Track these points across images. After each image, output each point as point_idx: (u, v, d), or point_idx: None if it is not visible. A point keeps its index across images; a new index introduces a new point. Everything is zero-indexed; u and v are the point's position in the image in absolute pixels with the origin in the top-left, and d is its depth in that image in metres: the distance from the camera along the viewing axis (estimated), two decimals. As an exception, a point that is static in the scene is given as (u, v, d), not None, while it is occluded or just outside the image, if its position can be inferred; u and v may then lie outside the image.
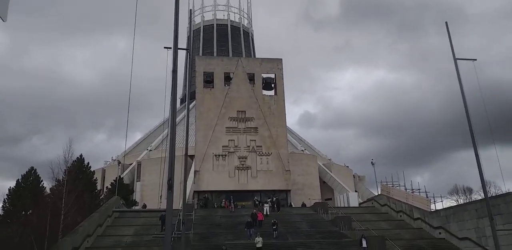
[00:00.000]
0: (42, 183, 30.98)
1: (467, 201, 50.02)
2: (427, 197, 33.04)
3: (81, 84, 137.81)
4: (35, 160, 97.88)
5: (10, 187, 30.60)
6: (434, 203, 33.31)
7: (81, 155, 33.55)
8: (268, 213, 31.68)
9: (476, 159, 19.62)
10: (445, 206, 32.81)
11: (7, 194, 29.58)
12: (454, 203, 49.57)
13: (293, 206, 40.86)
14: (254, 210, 29.68)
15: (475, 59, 21.60)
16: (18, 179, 30.66)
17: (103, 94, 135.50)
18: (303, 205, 40.05)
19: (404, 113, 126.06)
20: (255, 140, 43.64)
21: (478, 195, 52.79)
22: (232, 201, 35.92)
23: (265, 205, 33.29)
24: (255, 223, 27.64)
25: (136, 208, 41.11)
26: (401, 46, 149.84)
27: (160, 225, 25.77)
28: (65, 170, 25.94)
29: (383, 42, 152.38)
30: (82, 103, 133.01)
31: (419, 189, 35.20)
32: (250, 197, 40.85)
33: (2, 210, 29.85)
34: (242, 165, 42.61)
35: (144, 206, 41.26)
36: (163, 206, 13.90)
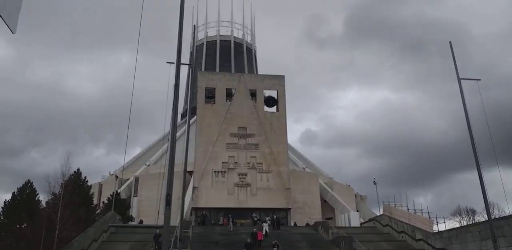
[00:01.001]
0: (38, 196, 30.62)
1: (470, 223, 49.20)
2: (429, 217, 32.49)
3: (83, 98, 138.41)
4: (33, 173, 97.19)
5: (5, 199, 30.24)
6: (437, 224, 32.73)
7: (78, 169, 33.26)
8: (268, 232, 30.87)
9: (480, 180, 19.30)
10: (448, 227, 32.22)
11: (2, 207, 29.18)
12: (457, 224, 48.74)
13: (297, 225, 39.99)
14: (254, 229, 28.89)
15: (479, 79, 21.55)
16: (14, 192, 30.30)
17: (105, 109, 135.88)
18: (307, 225, 39.13)
19: (407, 134, 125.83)
20: (255, 157, 43.27)
21: (481, 217, 52.01)
22: (231, 220, 35.11)
23: (264, 224, 32.40)
24: (254, 242, 26.86)
25: (133, 223, 40.43)
26: (405, 66, 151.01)
27: (153, 244, 25.21)
28: (61, 183, 25.61)
29: (387, 62, 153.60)
30: (83, 117, 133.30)
31: (421, 210, 34.71)
32: (249, 215, 40.14)
33: (-4, 223, 29.36)
34: (242, 182, 42.12)
35: (141, 221, 40.59)
36: (160, 222, 13.54)
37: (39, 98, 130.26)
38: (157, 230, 25.22)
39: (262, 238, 28.08)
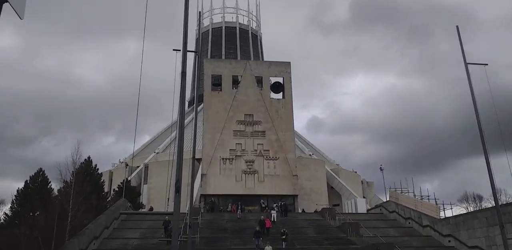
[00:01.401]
0: (50, 184, 31.18)
1: (477, 209, 49.29)
2: (436, 204, 32.57)
3: (91, 87, 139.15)
4: (44, 161, 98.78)
5: (18, 188, 30.84)
6: (444, 210, 32.80)
7: (89, 157, 33.73)
8: (275, 220, 30.87)
9: (487, 166, 19.29)
10: (454, 214, 32.32)
11: (15, 195, 29.79)
12: (464, 211, 48.84)
13: (305, 211, 40.27)
14: (262, 217, 28.90)
15: (487, 64, 21.26)
16: (27, 180, 30.88)
17: (113, 97, 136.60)
18: (316, 212, 39.12)
19: (413, 119, 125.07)
20: (262, 144, 43.44)
21: (488, 203, 52.00)
22: (240, 207, 35.05)
23: (273, 211, 32.35)
24: (262, 230, 26.79)
25: (143, 210, 41.12)
26: (411, 51, 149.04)
27: (163, 231, 25.65)
28: (72, 171, 26.03)
29: (393, 47, 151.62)
30: (92, 106, 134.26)
31: (428, 196, 34.78)
32: (257, 202, 40.58)
33: (10, 211, 30.04)
34: (249, 169, 42.42)
35: (151, 208, 41.26)
36: (170, 208, 13.78)
37: (48, 87, 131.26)
38: (166, 217, 25.65)
39: (271, 226, 28.02)
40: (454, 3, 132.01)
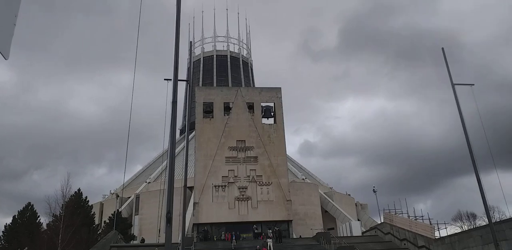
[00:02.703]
0: (39, 218, 30.54)
1: (472, 227, 49.02)
2: (430, 224, 32.39)
3: (85, 118, 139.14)
4: (35, 195, 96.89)
5: (6, 223, 30.12)
6: (438, 230, 32.59)
7: (79, 189, 33.30)
8: (271, 248, 30.28)
9: (478, 184, 19.49)
10: (449, 233, 32.11)
11: (3, 231, 29.07)
12: (458, 230, 48.59)
13: (301, 236, 39.72)
14: (258, 246, 28.39)
15: (473, 84, 21.93)
16: (15, 215, 30.22)
17: (106, 128, 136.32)
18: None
19: (404, 141, 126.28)
20: (255, 170, 43.25)
21: (482, 221, 51.86)
22: (235, 237, 33.70)
23: (269, 240, 31.68)
24: None
25: (135, 242, 40.19)
26: (399, 75, 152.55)
27: None
28: (62, 204, 25.61)
29: (381, 71, 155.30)
30: (85, 137, 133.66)
31: (422, 216, 34.57)
32: (251, 229, 39.95)
33: (-2, 247, 29.21)
34: (242, 195, 42.00)
35: (143, 240, 40.32)
36: (162, 239, 13.62)
37: (41, 120, 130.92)
38: (156, 249, 25.05)
39: None
40: (439, 27, 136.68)
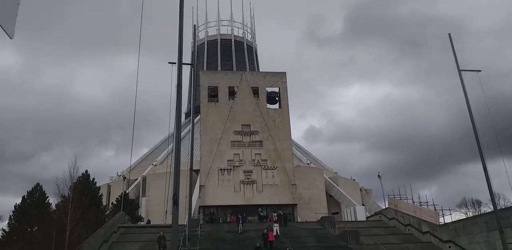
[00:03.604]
0: (48, 199, 31.02)
1: (476, 214, 49.23)
2: (435, 210, 32.53)
3: (91, 102, 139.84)
4: (43, 177, 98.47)
5: (16, 203, 30.65)
6: (443, 216, 32.74)
7: (86, 171, 33.66)
8: (279, 233, 29.51)
9: (484, 171, 19.43)
10: (454, 219, 32.31)
11: (13, 211, 29.61)
12: (463, 216, 48.78)
13: (307, 221, 40.03)
14: (265, 230, 27.62)
15: (480, 70, 21.63)
16: (24, 196, 30.71)
17: (113, 112, 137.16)
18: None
19: (410, 128, 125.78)
20: (260, 154, 43.42)
21: (487, 208, 51.99)
22: (241, 221, 32.33)
23: (275, 224, 30.49)
24: (265, 245, 26.12)
25: (142, 223, 40.86)
26: (405, 61, 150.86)
27: (157, 247, 25.09)
28: (70, 186, 25.94)
29: (387, 58, 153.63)
30: (92, 121, 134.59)
31: (427, 202, 34.70)
32: (256, 212, 40.41)
33: (8, 226, 29.81)
34: (248, 179, 42.32)
35: (149, 221, 40.94)
36: (169, 221, 13.80)
37: (47, 104, 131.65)
38: (161, 232, 25.30)
39: (273, 239, 27.11)
40: (446, 15, 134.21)
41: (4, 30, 3.88)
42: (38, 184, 31.10)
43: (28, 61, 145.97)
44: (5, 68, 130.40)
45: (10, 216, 29.32)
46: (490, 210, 38.20)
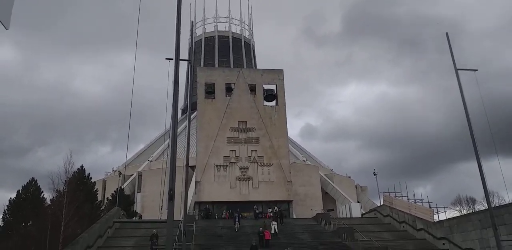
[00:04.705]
0: (42, 194, 30.91)
1: (471, 212, 49.56)
2: (430, 207, 32.77)
3: (89, 98, 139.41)
4: (39, 171, 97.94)
5: (10, 198, 30.53)
6: (437, 214, 33.02)
7: (82, 166, 33.56)
8: (277, 232, 28.85)
9: (479, 169, 19.51)
10: (448, 217, 32.51)
11: (7, 205, 29.49)
12: (457, 214, 49.11)
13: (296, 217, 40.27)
14: (261, 228, 27.30)
15: (476, 70, 21.66)
16: (19, 190, 30.60)
17: (110, 107, 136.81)
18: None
19: (406, 126, 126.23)
20: (256, 150, 43.47)
21: (481, 205, 52.35)
22: (237, 219, 31.17)
23: (273, 223, 29.61)
24: (261, 243, 25.92)
25: (136, 219, 40.81)
26: (403, 61, 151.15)
27: (150, 245, 24.92)
28: (65, 180, 25.86)
29: (384, 57, 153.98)
30: (89, 116, 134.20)
31: (421, 200, 34.94)
32: (251, 208, 40.49)
33: (2, 221, 29.70)
34: (244, 175, 42.39)
35: (140, 217, 40.76)
36: (164, 216, 13.78)
37: (45, 99, 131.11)
38: (154, 230, 25.22)
39: (270, 238, 26.75)
40: (443, 15, 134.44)
41: (0, 21, 3.83)
42: (33, 178, 30.97)
43: (26, 56, 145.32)
44: (3, 64, 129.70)
45: (4, 210, 29.24)
46: (484, 208, 38.49)
